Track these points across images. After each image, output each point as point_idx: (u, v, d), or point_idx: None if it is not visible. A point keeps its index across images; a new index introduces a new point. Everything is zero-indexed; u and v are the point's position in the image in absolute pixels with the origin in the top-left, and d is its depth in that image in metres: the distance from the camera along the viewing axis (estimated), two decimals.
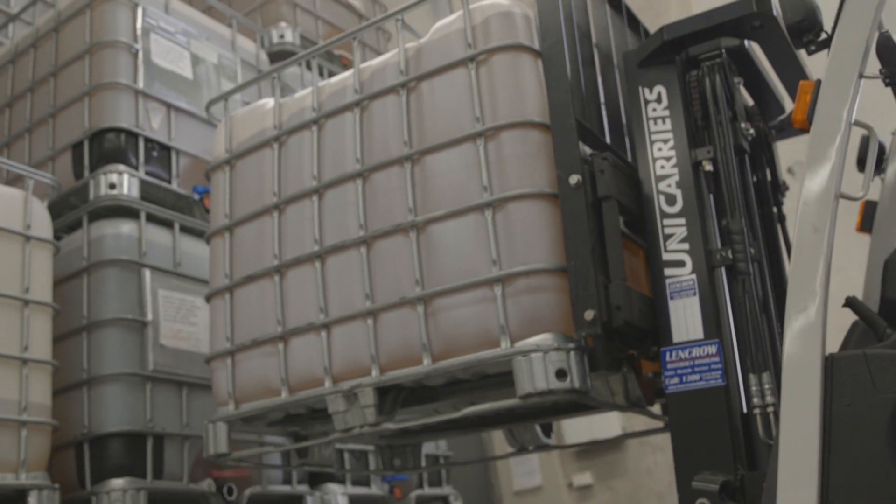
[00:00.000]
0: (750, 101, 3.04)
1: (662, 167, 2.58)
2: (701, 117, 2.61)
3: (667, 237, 2.53)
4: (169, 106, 4.37)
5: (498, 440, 6.61)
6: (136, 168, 4.13)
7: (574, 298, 2.37)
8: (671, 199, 2.55)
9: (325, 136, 2.97)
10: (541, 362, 2.34)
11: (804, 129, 2.27)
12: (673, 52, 2.64)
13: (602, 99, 2.85)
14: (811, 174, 2.18)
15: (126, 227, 4.03)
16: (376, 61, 2.96)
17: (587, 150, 2.59)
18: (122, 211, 4.06)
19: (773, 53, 2.77)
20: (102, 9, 4.43)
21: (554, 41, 2.56)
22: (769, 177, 3.06)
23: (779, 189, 3.13)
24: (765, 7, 2.50)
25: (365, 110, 2.87)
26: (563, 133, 2.47)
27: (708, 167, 2.55)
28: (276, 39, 5.34)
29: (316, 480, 4.40)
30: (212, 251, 3.28)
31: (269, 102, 3.26)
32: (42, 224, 3.73)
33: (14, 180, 4.25)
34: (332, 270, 2.83)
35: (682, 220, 2.52)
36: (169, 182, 4.26)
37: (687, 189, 2.53)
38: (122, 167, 4.08)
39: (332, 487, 4.36)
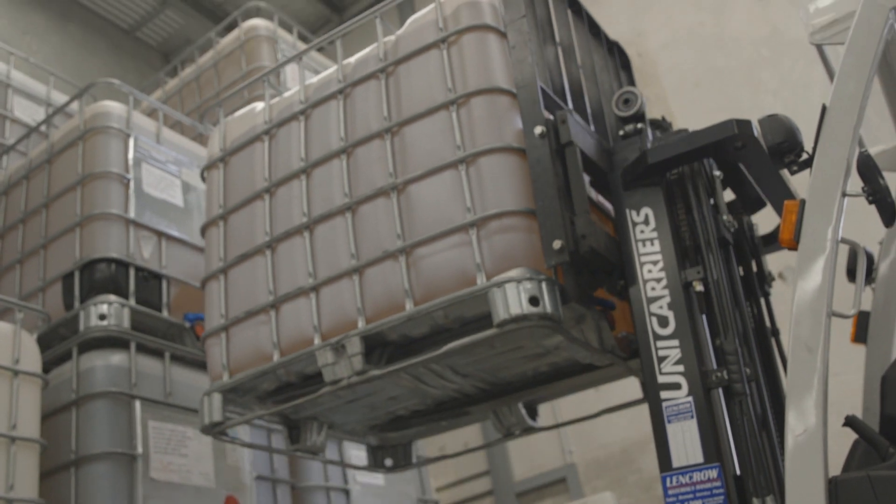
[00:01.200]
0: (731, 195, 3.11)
1: (653, 289, 2.58)
2: (689, 238, 2.63)
3: (661, 359, 2.51)
4: (160, 234, 4.39)
5: None
6: (127, 297, 4.11)
7: (543, 232, 2.54)
8: (663, 321, 2.54)
9: (312, 124, 3.16)
10: (514, 290, 2.51)
11: (792, 248, 2.28)
12: (657, 173, 2.67)
13: (563, 70, 3.07)
14: (801, 294, 2.18)
15: (116, 358, 3.99)
16: (358, 55, 3.19)
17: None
18: (113, 341, 4.02)
19: (757, 171, 2.81)
20: (95, 140, 4.49)
21: (518, 16, 2.80)
22: (755, 268, 3.09)
23: (765, 280, 3.16)
24: (746, 129, 2.54)
25: (348, 97, 3.09)
26: (527, 90, 2.69)
27: (699, 287, 2.55)
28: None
29: None
30: (207, 241, 3.41)
31: (260, 105, 3.44)
32: (31, 358, 3.68)
33: (3, 312, 4.22)
34: (320, 239, 2.99)
35: (676, 342, 2.51)
36: (160, 310, 4.24)
37: (679, 310, 2.53)
38: (112, 297, 4.07)
39: None
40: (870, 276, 3.13)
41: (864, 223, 2.66)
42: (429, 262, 2.73)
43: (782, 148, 2.48)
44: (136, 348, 4.03)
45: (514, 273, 2.56)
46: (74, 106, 4.99)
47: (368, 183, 2.93)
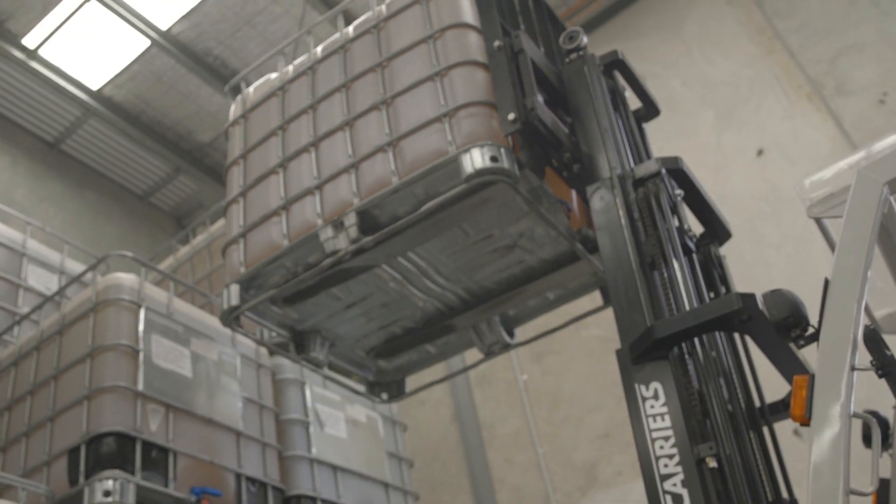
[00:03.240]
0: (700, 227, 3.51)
1: (666, 466, 2.55)
2: (700, 412, 2.61)
3: None
4: (168, 406, 4.38)
5: None
6: (133, 473, 4.06)
7: (500, 108, 3.19)
8: (678, 499, 2.49)
9: (318, 77, 3.80)
10: (478, 152, 3.08)
11: (804, 424, 2.26)
12: (665, 347, 2.68)
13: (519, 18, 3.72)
14: (816, 472, 2.13)
15: None
16: (355, 22, 3.86)
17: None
18: None
19: (764, 343, 2.81)
20: (106, 312, 4.55)
21: None
22: (724, 291, 3.35)
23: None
24: (750, 303, 2.56)
25: (348, 52, 3.74)
26: (487, 10, 3.46)
27: (712, 464, 2.51)
28: (274, 333, 5.43)
29: None
30: (228, 180, 3.92)
31: (274, 75, 4.07)
32: None
33: (6, 489, 4.16)
34: (323, 154, 3.57)
35: None
36: (166, 485, 4.18)
37: (693, 489, 2.48)
38: (118, 472, 4.02)
39: None
40: (886, 443, 3.07)
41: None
42: (411, 148, 3.29)
43: (788, 323, 2.49)
44: None
45: (478, 142, 3.13)
46: (88, 274, 5.07)
47: (364, 104, 3.54)
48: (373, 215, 3.35)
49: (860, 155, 2.79)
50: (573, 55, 3.55)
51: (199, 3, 9.74)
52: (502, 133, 3.16)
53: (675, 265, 2.89)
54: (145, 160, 11.46)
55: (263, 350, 5.27)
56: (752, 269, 8.09)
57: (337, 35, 3.87)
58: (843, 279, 2.36)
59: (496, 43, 3.33)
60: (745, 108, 8.95)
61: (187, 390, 4.53)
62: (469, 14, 3.51)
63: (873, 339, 2.31)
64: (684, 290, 2.85)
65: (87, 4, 9.52)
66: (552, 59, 3.74)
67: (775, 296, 2.58)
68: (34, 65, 9.96)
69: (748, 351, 3.17)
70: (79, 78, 10.35)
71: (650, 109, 3.98)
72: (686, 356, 2.74)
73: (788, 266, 7.99)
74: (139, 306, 4.55)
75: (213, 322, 5.02)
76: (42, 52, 9.97)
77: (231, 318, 3.67)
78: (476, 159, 3.06)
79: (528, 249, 3.84)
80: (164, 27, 9.98)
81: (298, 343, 4.01)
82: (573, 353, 8.93)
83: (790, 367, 2.75)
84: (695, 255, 3.14)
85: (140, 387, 4.29)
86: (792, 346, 2.81)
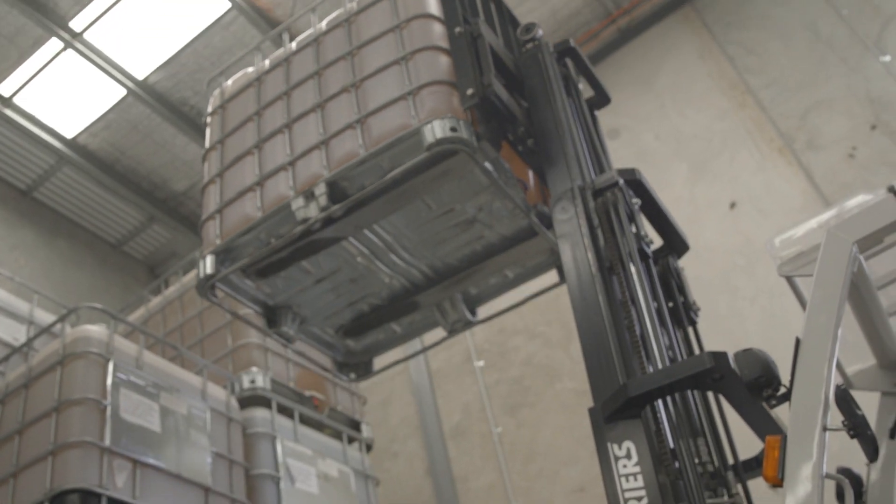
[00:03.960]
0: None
1: None
2: (674, 472, 2.58)
3: None
4: (135, 462, 4.30)
5: None
6: None
7: (460, 88, 3.44)
8: None
9: (293, 68, 4.02)
10: (439, 123, 3.30)
11: (777, 485, 2.24)
12: (637, 406, 2.66)
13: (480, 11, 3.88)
14: None
15: None
16: (328, 17, 4.08)
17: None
18: None
19: (737, 402, 2.79)
20: (74, 366, 4.48)
21: None
22: (682, 299, 3.53)
23: (690, 308, 3.53)
24: (722, 362, 2.55)
25: (321, 44, 3.97)
26: (450, 1, 3.68)
27: None
28: (246, 385, 5.38)
29: None
30: (207, 164, 4.07)
31: (251, 69, 4.27)
32: None
33: None
34: (297, 135, 3.77)
35: None
36: None
37: None
38: None
39: None
40: (859, 501, 3.06)
41: None
42: (377, 124, 3.51)
43: (759, 382, 2.49)
44: None
45: (439, 116, 3.35)
46: (57, 325, 5.00)
47: (335, 89, 3.75)
48: (342, 186, 3.55)
49: (830, 213, 2.81)
50: (529, 45, 3.84)
51: (176, 53, 9.78)
52: (461, 108, 3.42)
53: (633, 269, 2.99)
54: (119, 209, 11.40)
55: (234, 403, 5.20)
56: (726, 321, 8.12)
57: (311, 31, 4.09)
58: (813, 339, 2.36)
59: (457, 29, 3.58)
60: (718, 161, 9.06)
61: (155, 445, 4.45)
62: (434, 6, 3.77)
63: (844, 399, 2.30)
64: (642, 295, 2.94)
65: (63, 53, 9.53)
66: (511, 50, 3.98)
67: (747, 355, 2.57)
68: (9, 112, 9.92)
69: (721, 407, 3.16)
70: (54, 126, 10.32)
71: (601, 97, 4.30)
72: (659, 413, 2.72)
73: (763, 319, 8.03)
74: (107, 359, 4.48)
75: (184, 375, 4.95)
76: (17, 100, 9.94)
77: (206, 286, 3.77)
78: (437, 130, 3.29)
79: (488, 224, 4.02)
80: (140, 76, 10.00)
81: (270, 318, 4.13)
82: (548, 405, 8.89)
83: (763, 425, 2.74)
84: (651, 262, 3.25)
85: (107, 442, 4.21)
86: (764, 404, 2.80)
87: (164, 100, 10.29)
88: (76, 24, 9.36)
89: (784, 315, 7.51)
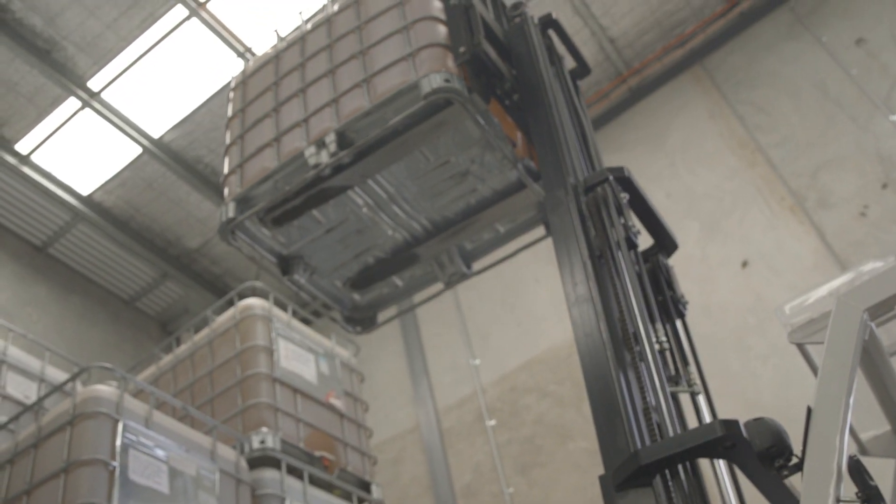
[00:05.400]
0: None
1: None
2: None
3: None
4: None
5: None
6: None
7: (452, 43, 3.89)
8: None
9: (307, 45, 4.42)
10: (436, 75, 3.72)
11: None
12: (648, 475, 2.63)
13: None
14: None
15: None
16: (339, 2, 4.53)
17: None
18: None
19: (749, 470, 2.76)
20: (84, 426, 4.46)
21: None
22: (671, 292, 3.70)
23: (679, 302, 3.69)
24: (733, 430, 2.52)
25: (332, 24, 4.38)
26: None
27: None
28: (256, 445, 5.34)
29: None
30: (229, 131, 4.48)
31: (270, 50, 4.68)
32: None
33: None
34: (311, 98, 4.17)
35: None
36: None
37: None
38: None
39: None
40: None
41: None
42: (381, 82, 3.90)
43: (771, 453, 2.45)
44: None
45: (435, 72, 3.76)
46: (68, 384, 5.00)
47: (345, 57, 4.15)
48: (349, 136, 3.94)
49: (841, 280, 2.80)
50: (517, 19, 4.28)
51: (192, 112, 9.93)
52: (455, 66, 3.83)
53: (621, 256, 3.16)
54: (132, 265, 11.48)
55: (244, 464, 5.16)
56: (739, 380, 8.07)
57: (323, 12, 4.56)
58: (825, 408, 2.33)
59: (452, 1, 4.03)
60: (729, 220, 9.07)
61: None
62: None
63: (857, 470, 2.27)
64: (630, 284, 3.08)
65: (81, 112, 9.69)
66: (502, 26, 4.42)
67: (758, 424, 2.54)
68: (26, 170, 10.06)
69: (734, 474, 3.12)
70: (69, 183, 10.46)
71: (583, 68, 4.69)
72: (670, 482, 2.69)
73: (776, 378, 7.96)
74: (117, 420, 4.47)
75: (193, 435, 4.93)
76: (34, 158, 10.10)
77: (227, 229, 4.16)
78: (433, 81, 3.70)
79: (480, 177, 4.42)
80: (156, 135, 10.14)
81: (284, 267, 4.48)
82: (559, 465, 8.80)
83: (776, 495, 2.70)
84: (639, 253, 3.43)
85: None
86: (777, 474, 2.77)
87: (179, 158, 10.43)
88: (94, 83, 9.53)
89: (797, 375, 7.43)
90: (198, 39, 9.34)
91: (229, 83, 4.89)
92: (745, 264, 8.73)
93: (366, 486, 6.19)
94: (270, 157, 4.13)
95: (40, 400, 5.41)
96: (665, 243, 3.85)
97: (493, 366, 9.85)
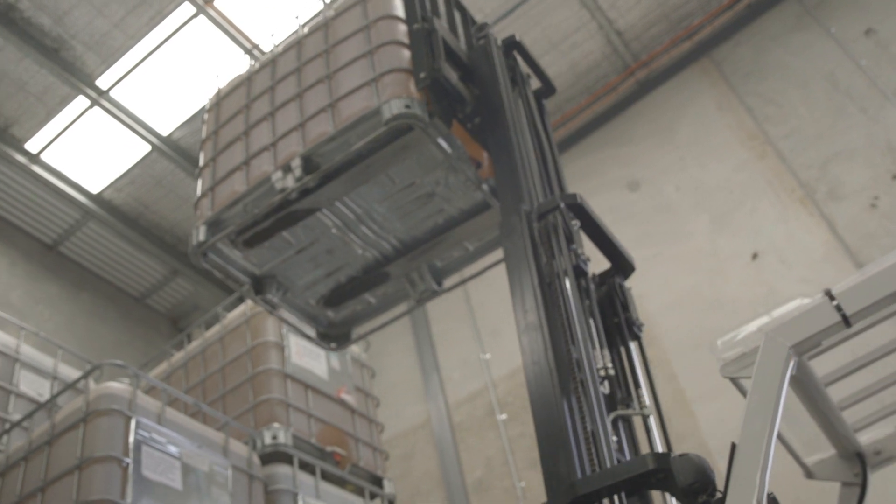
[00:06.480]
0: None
1: None
2: None
3: None
4: None
5: None
6: None
7: (414, 69, 3.93)
8: None
9: (278, 67, 4.50)
10: (396, 101, 3.78)
11: None
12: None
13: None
14: None
15: None
16: (309, 23, 4.61)
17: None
18: None
19: (682, 500, 2.78)
20: (97, 423, 4.48)
21: None
22: (626, 313, 3.66)
23: (634, 324, 3.63)
24: (663, 462, 2.54)
25: (303, 47, 4.45)
26: (410, 3, 4.16)
27: None
28: (268, 441, 5.36)
29: None
30: (203, 152, 4.59)
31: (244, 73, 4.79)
32: None
33: None
34: (279, 121, 4.23)
35: None
36: None
37: None
38: None
39: None
40: None
41: None
42: (346, 107, 3.97)
43: (694, 488, 2.47)
44: None
45: (397, 97, 3.82)
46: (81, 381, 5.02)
47: (313, 80, 4.22)
48: (315, 161, 4.00)
49: (771, 315, 2.81)
50: (481, 41, 4.32)
51: (200, 110, 9.93)
52: (417, 91, 3.89)
53: (567, 284, 3.17)
54: (143, 262, 11.52)
55: (256, 460, 5.18)
56: None
57: (294, 35, 4.64)
58: (748, 445, 2.33)
59: (415, 25, 4.08)
60: (739, 212, 9.05)
61: (177, 503, 4.43)
62: (399, 9, 4.24)
63: None
64: (575, 312, 3.08)
65: (90, 110, 9.71)
66: (470, 48, 4.48)
67: (683, 460, 2.55)
68: (36, 168, 10.10)
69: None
70: (79, 181, 10.49)
71: (547, 87, 4.70)
72: None
73: None
74: (130, 417, 4.49)
75: (206, 431, 4.95)
76: (44, 157, 10.13)
77: (199, 252, 4.25)
78: (394, 107, 3.76)
79: (446, 198, 4.46)
80: (164, 132, 10.17)
81: (257, 287, 4.53)
82: None
83: None
84: (589, 278, 3.46)
85: (128, 500, 4.19)
86: None
87: (187, 155, 10.45)
88: (102, 82, 9.55)
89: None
90: (205, 37, 9.35)
91: (205, 106, 4.99)
92: (755, 256, 8.70)
93: (378, 482, 6.21)
94: (240, 180, 4.20)
95: (54, 398, 5.44)
96: (622, 266, 3.84)
97: (503, 360, 9.84)
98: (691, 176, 9.59)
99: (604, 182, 10.09)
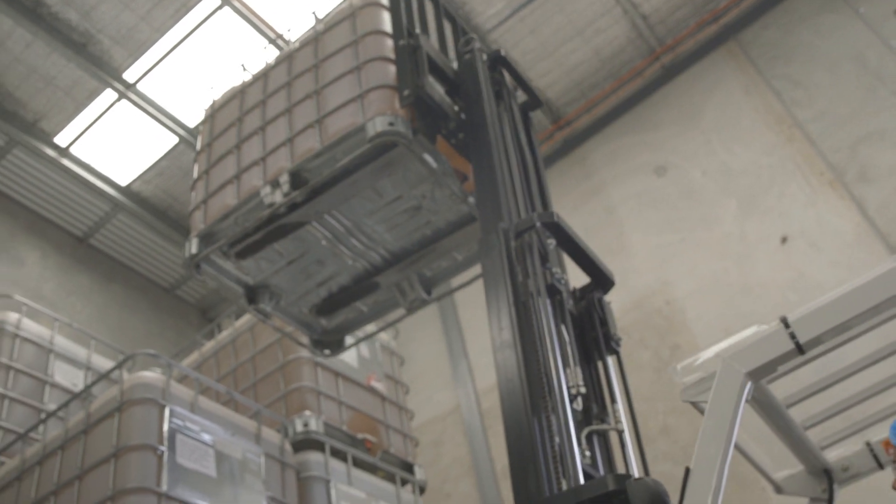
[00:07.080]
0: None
1: None
2: None
3: None
4: None
5: None
6: None
7: (399, 86, 3.98)
8: None
9: (269, 81, 4.60)
10: (380, 119, 3.86)
11: None
12: None
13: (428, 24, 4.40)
14: None
15: None
16: (300, 37, 4.68)
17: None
18: None
19: None
20: (132, 412, 4.55)
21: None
22: (604, 328, 3.63)
23: (612, 339, 3.60)
24: (621, 483, 2.53)
25: (293, 60, 4.54)
26: (397, 19, 4.21)
27: None
28: (300, 428, 5.42)
29: None
30: (197, 165, 4.64)
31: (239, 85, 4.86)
32: None
33: None
34: (269, 136, 4.33)
35: None
36: None
37: None
38: None
39: None
40: None
41: None
42: (332, 123, 4.04)
43: None
44: None
45: (382, 114, 3.90)
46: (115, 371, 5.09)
47: (302, 96, 4.29)
48: (302, 176, 4.08)
49: (729, 341, 2.81)
50: (467, 55, 4.30)
51: None
52: (401, 107, 3.95)
53: (541, 303, 3.16)
54: (172, 253, 11.62)
55: (288, 448, 5.23)
56: None
57: (286, 49, 4.75)
58: (702, 471, 2.34)
59: (401, 41, 4.12)
60: (767, 196, 8.98)
61: (212, 491, 4.49)
62: (386, 24, 4.30)
63: None
64: (546, 330, 3.08)
65: (117, 104, 9.80)
66: (459, 60, 4.51)
67: (638, 484, 2.55)
68: (65, 162, 10.21)
69: None
70: (108, 174, 10.59)
71: (533, 101, 4.69)
72: None
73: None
74: (164, 406, 4.55)
75: (238, 419, 5.00)
76: (73, 150, 10.23)
77: (192, 264, 4.40)
78: (378, 124, 3.83)
79: (433, 211, 4.51)
80: (192, 124, 10.23)
81: (250, 297, 4.62)
82: None
83: None
84: (564, 297, 3.44)
85: (164, 488, 4.25)
86: None
87: None
88: (130, 75, 9.63)
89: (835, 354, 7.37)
90: (230, 28, 9.40)
91: (204, 115, 5.09)
92: (784, 240, 8.64)
93: (409, 468, 6.25)
94: (231, 194, 4.31)
95: (88, 387, 5.52)
96: (601, 281, 3.81)
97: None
98: (718, 160, 9.53)
99: (630, 167, 10.03)
